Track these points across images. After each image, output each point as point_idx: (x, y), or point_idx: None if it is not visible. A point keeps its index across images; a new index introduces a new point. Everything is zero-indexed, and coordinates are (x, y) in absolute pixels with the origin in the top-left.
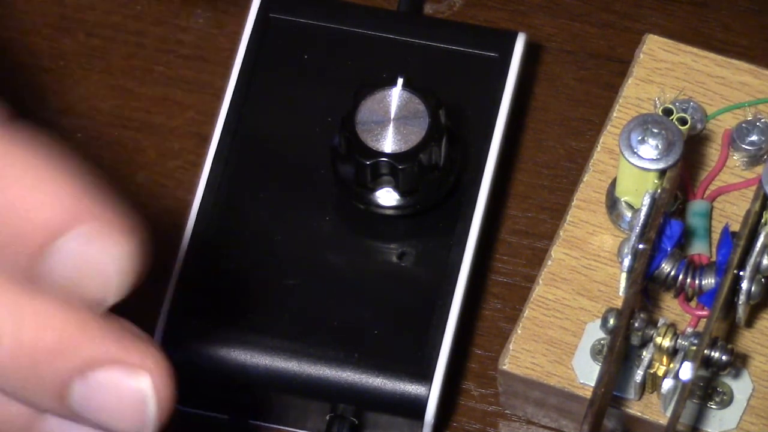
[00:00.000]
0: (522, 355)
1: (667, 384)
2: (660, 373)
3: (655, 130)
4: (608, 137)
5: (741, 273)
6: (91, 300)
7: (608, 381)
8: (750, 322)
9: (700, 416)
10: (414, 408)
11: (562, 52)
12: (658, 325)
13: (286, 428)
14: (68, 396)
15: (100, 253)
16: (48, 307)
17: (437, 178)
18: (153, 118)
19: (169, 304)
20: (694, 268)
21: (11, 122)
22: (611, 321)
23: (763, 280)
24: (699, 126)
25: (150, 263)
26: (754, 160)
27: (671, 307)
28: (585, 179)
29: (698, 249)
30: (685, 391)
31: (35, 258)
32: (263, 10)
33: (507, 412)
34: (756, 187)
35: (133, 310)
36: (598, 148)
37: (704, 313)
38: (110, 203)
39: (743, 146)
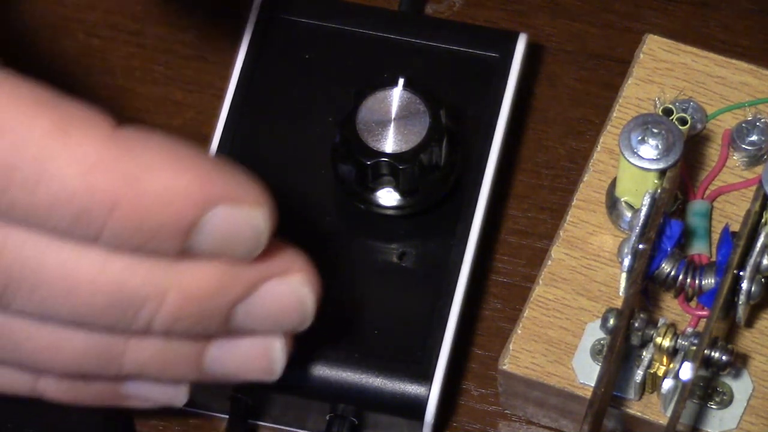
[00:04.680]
0: (522, 355)
1: (667, 384)
2: (660, 373)
3: (655, 130)
4: (608, 137)
5: (741, 273)
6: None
7: (608, 381)
8: (750, 322)
9: (700, 416)
10: (414, 408)
11: (562, 52)
12: (658, 325)
13: (286, 428)
14: (233, 317)
15: (237, 224)
16: (200, 265)
17: (438, 179)
18: (153, 118)
19: None
20: (694, 268)
21: (121, 127)
22: (611, 321)
23: (763, 280)
24: (699, 126)
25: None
26: (754, 160)
27: (671, 307)
28: (585, 179)
29: (698, 249)
30: (685, 391)
31: (181, 241)
32: (263, 10)
33: (507, 412)
34: (756, 187)
35: None
36: (598, 148)
37: (704, 313)
38: (236, 179)
39: (743, 146)
